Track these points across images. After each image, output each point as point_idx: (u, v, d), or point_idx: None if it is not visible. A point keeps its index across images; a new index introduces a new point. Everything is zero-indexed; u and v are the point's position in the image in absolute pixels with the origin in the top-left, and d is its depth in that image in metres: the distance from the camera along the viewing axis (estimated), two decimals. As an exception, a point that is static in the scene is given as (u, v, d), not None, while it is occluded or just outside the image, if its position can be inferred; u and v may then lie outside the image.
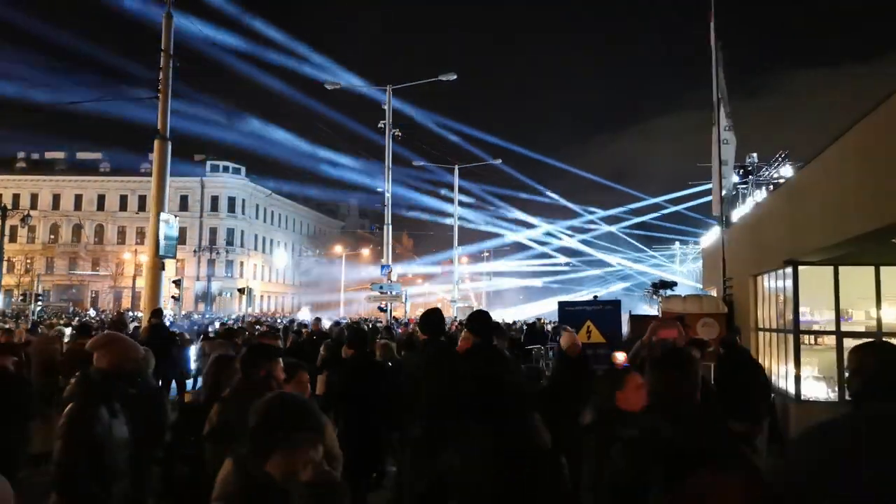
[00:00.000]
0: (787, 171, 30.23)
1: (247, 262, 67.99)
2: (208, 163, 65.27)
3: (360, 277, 69.28)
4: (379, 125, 28.49)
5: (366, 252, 69.53)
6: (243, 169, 67.88)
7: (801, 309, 9.89)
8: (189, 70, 15.54)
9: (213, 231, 65.24)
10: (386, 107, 28.06)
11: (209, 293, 59.27)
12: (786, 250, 9.69)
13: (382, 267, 27.80)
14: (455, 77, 28.41)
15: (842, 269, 9.60)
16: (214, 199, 65.88)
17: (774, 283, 10.96)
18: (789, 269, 9.88)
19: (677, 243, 56.48)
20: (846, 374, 2.86)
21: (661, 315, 13.35)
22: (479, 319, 4.76)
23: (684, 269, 51.39)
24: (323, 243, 76.72)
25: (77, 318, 30.34)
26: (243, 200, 67.40)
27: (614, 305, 13.61)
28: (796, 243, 9.37)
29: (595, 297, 17.94)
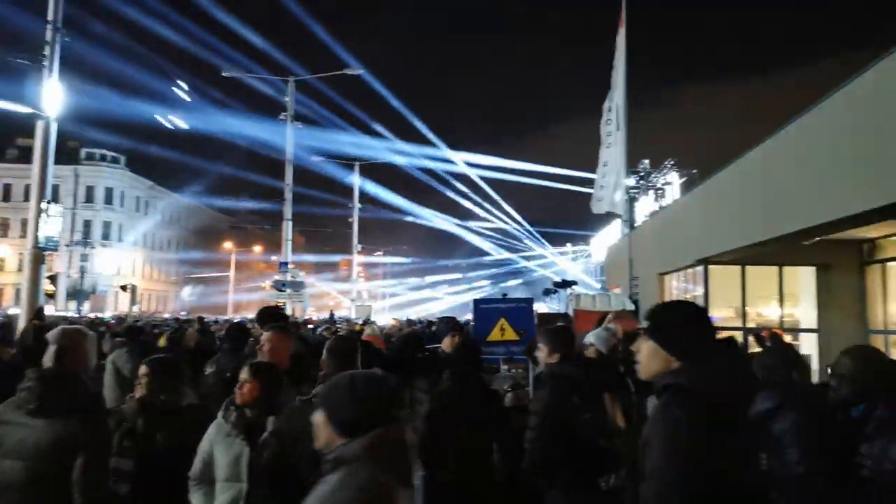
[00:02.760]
0: (673, 177, 32.17)
1: (125, 257, 63.59)
2: (83, 150, 60.43)
3: (251, 275, 66.78)
4: (280, 117, 27.55)
5: (258, 249, 67.10)
6: (123, 158, 63.41)
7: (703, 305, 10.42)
8: (73, 46, 14.03)
9: (88, 224, 60.51)
10: (288, 98, 27.15)
11: (82, 290, 54.87)
12: (698, 250, 10.16)
13: (281, 264, 26.80)
14: (361, 72, 27.94)
15: (748, 268, 10.21)
16: (90, 190, 61.12)
17: (684, 281, 11.48)
18: (700, 268, 10.37)
19: (569, 244, 58.67)
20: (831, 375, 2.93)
21: (574, 313, 13.64)
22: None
23: (580, 267, 53.40)
24: (212, 239, 73.12)
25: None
26: (122, 192, 62.97)
27: (528, 303, 13.74)
28: (709, 244, 9.84)
29: (504, 295, 18.07)
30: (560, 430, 3.34)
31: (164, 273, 71.49)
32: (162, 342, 7.99)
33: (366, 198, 42.25)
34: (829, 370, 2.98)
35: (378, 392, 2.02)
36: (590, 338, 4.52)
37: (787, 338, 10.51)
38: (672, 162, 30.79)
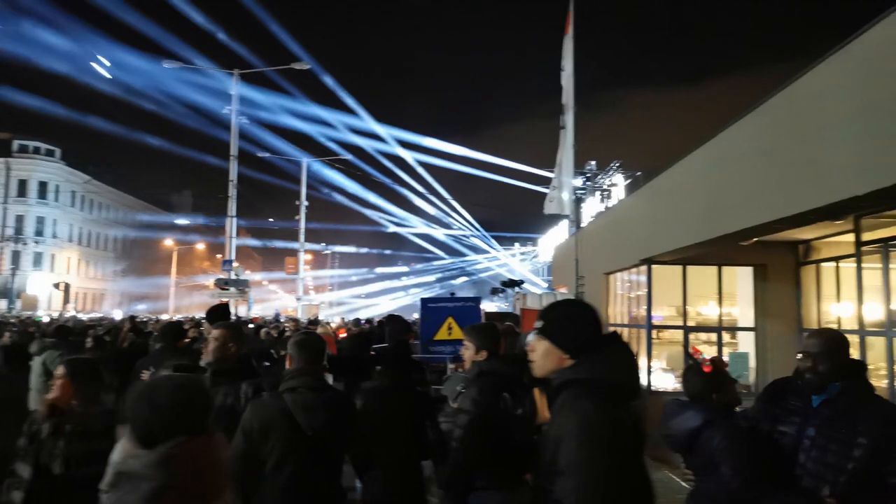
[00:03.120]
0: (618, 179, 32.77)
1: (59, 254, 61.03)
2: (15, 142, 57.73)
3: (193, 273, 65.03)
4: (224, 110, 26.93)
5: (200, 247, 65.40)
6: (58, 151, 60.85)
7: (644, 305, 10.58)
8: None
9: (20, 219, 57.83)
10: (233, 91, 26.52)
11: (12, 289, 52.40)
12: (643, 250, 10.29)
13: (224, 262, 26.13)
14: (308, 67, 27.56)
15: (689, 268, 10.40)
16: (22, 184, 58.43)
17: (628, 280, 11.63)
18: (644, 268, 10.52)
19: (517, 244, 59.20)
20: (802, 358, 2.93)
21: (520, 312, 13.70)
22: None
23: (528, 267, 53.91)
24: (152, 237, 70.86)
25: None
26: (57, 186, 60.38)
27: (475, 302, 13.74)
28: (653, 243, 9.98)
29: (452, 293, 18.07)
30: (490, 428, 3.35)
31: (100, 271, 68.94)
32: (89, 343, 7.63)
33: (311, 197, 41.56)
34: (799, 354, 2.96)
35: (181, 400, 1.89)
36: (532, 336, 4.56)
37: (726, 336, 10.77)
38: (618, 164, 31.38)
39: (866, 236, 7.53)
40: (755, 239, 8.98)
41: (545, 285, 39.70)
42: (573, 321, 2.15)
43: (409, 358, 4.80)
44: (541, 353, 2.16)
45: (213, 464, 1.86)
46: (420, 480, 4.19)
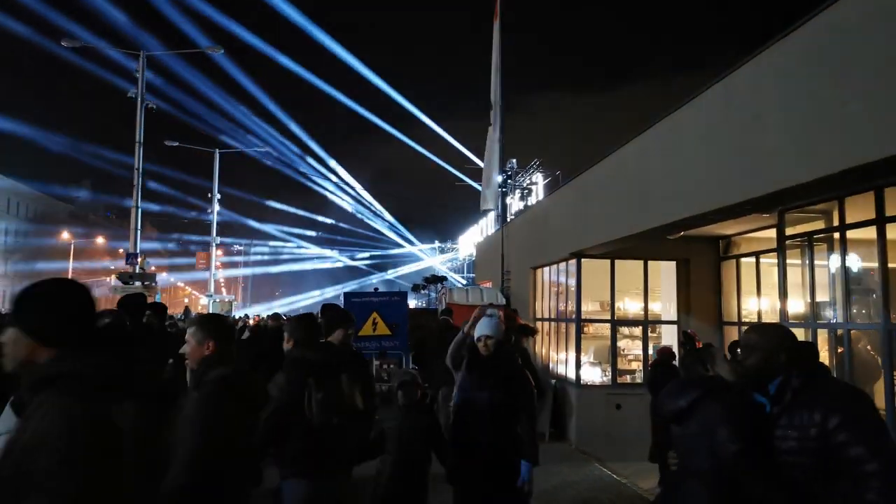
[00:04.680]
0: (538, 177, 33.27)
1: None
2: None
3: (93, 267, 61.16)
4: (129, 94, 25.27)
5: (100, 240, 61.66)
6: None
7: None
8: None
9: None
10: (139, 74, 24.96)
11: None
12: (572, 243, 10.25)
13: (128, 255, 24.55)
14: (222, 51, 26.32)
15: (616, 262, 10.45)
16: None
17: (556, 275, 11.59)
18: (573, 262, 10.49)
19: (436, 241, 59.19)
20: (739, 352, 2.89)
21: (446, 306, 13.47)
22: None
23: (448, 264, 53.96)
24: (47, 228, 66.10)
25: None
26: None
27: (401, 297, 13.40)
28: (583, 237, 9.95)
29: (376, 288, 17.64)
30: (294, 412, 3.50)
31: (-13, 265, 63.63)
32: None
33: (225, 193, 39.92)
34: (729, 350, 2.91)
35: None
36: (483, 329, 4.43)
37: (649, 330, 10.92)
38: (538, 162, 31.80)
39: (789, 231, 7.74)
40: (681, 233, 9.12)
41: (464, 281, 39.81)
42: (47, 303, 1.81)
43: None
44: (10, 343, 1.80)
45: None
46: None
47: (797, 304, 8.06)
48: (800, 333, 7.87)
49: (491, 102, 17.62)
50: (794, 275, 7.73)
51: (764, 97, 5.70)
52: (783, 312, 7.87)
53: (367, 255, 65.78)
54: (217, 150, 37.18)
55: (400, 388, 4.31)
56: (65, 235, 57.64)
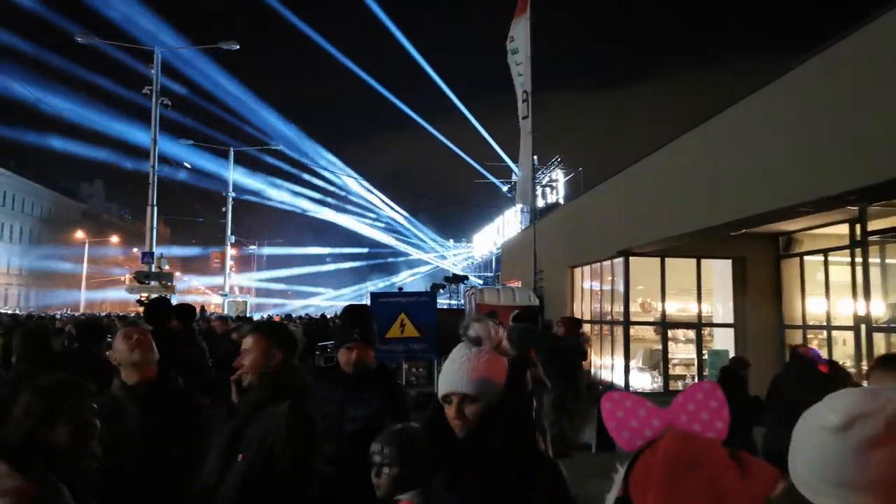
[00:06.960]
0: (558, 174, 32.55)
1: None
2: None
3: (107, 269, 60.98)
4: (144, 91, 24.82)
5: (115, 239, 61.55)
6: (-48, 133, 55.65)
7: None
8: None
9: None
10: (154, 71, 24.49)
11: None
12: (620, 241, 9.56)
13: (144, 254, 24.08)
14: (237, 47, 25.76)
15: (667, 260, 9.76)
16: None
17: (600, 274, 10.91)
18: (619, 260, 9.80)
19: (451, 241, 58.50)
20: None
21: (476, 305, 12.85)
22: None
23: (465, 264, 53.30)
24: (61, 228, 66.07)
25: None
26: (-50, 172, 55.22)
27: (430, 297, 12.77)
28: (632, 235, 9.26)
29: (400, 288, 17.03)
30: None
31: (2, 265, 63.65)
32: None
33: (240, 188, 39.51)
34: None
35: None
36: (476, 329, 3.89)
37: (705, 332, 10.21)
38: (559, 158, 31.10)
39: (872, 226, 7.05)
40: (744, 230, 8.43)
41: (480, 282, 39.15)
42: None
43: None
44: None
45: None
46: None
47: (878, 306, 7.37)
48: (880, 339, 7.18)
49: (525, 94, 16.85)
50: (874, 275, 7.06)
51: (867, 73, 5.01)
52: (866, 315, 7.17)
53: (387, 250, 65.28)
54: (231, 149, 36.72)
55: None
56: (78, 235, 57.51)
